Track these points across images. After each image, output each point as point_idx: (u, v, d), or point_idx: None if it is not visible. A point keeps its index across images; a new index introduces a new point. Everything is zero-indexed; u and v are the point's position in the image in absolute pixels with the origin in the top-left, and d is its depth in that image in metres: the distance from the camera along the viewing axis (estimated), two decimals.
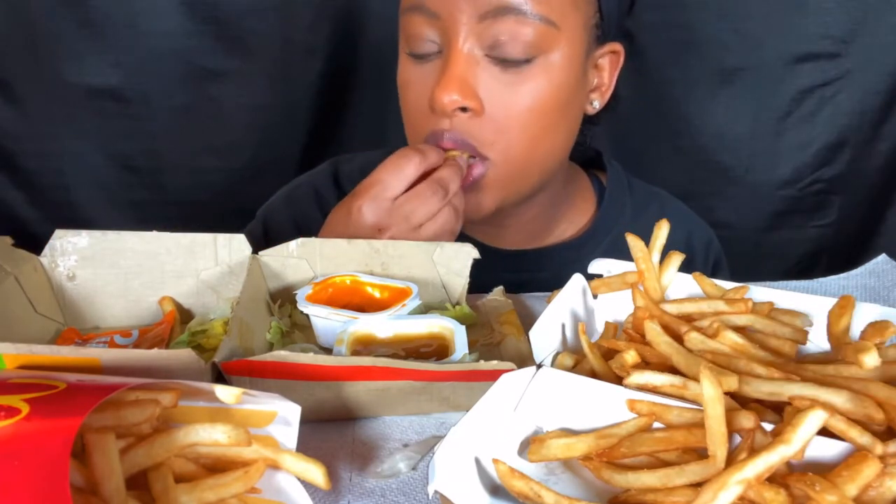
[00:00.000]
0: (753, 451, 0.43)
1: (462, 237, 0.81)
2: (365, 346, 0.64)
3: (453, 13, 0.77)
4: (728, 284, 0.66)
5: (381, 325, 0.65)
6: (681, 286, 0.67)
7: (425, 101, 0.82)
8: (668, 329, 0.57)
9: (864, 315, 0.58)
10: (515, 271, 0.94)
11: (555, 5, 0.77)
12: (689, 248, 1.03)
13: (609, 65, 0.89)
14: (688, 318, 0.61)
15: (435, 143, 0.81)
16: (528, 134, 0.82)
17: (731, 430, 0.45)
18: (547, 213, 0.98)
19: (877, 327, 0.54)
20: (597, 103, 0.90)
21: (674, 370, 0.52)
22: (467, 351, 0.61)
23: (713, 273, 1.06)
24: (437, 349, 0.63)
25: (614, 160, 1.08)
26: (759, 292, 0.64)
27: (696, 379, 0.50)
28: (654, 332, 0.55)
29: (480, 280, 0.77)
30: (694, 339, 0.55)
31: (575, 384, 0.52)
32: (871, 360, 0.48)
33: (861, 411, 0.45)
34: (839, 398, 0.46)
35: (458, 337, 0.63)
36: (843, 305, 0.57)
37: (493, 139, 0.81)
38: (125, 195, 1.52)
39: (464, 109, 0.80)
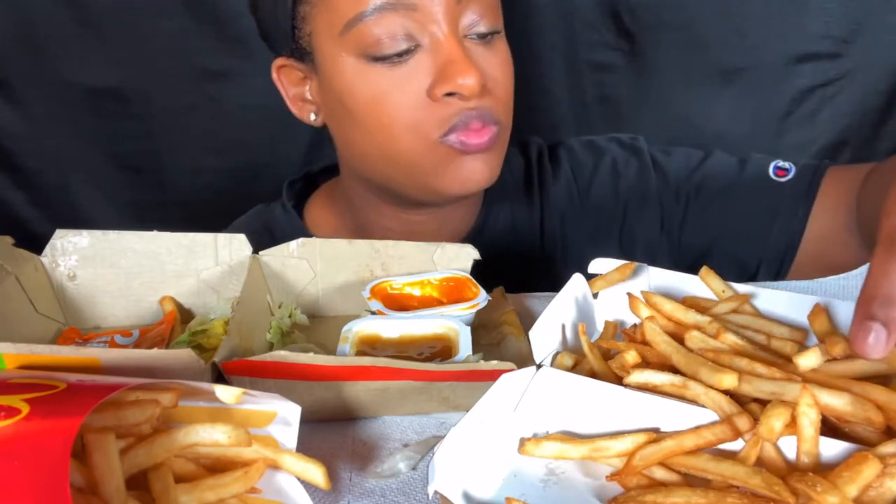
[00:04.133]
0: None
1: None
2: (371, 346, 0.64)
3: (433, 1, 0.77)
4: (733, 284, 0.65)
5: (387, 326, 0.65)
6: (681, 285, 0.67)
7: (418, 99, 0.80)
8: (669, 330, 0.57)
9: (847, 312, 0.58)
10: None
11: None
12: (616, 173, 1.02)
13: None
14: (685, 326, 0.60)
15: (465, 126, 0.80)
16: (510, 102, 0.87)
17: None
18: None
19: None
20: None
21: (674, 370, 0.52)
22: (471, 353, 0.61)
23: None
24: (441, 350, 0.63)
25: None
26: (760, 292, 0.64)
27: (696, 379, 0.50)
28: (653, 332, 0.55)
29: None
30: (695, 338, 0.55)
31: (575, 384, 0.52)
32: (806, 361, 0.49)
33: (862, 414, 0.45)
34: (840, 401, 0.46)
35: (463, 338, 0.63)
36: (816, 312, 0.57)
37: (496, 109, 0.84)
38: (125, 195, 1.52)
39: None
